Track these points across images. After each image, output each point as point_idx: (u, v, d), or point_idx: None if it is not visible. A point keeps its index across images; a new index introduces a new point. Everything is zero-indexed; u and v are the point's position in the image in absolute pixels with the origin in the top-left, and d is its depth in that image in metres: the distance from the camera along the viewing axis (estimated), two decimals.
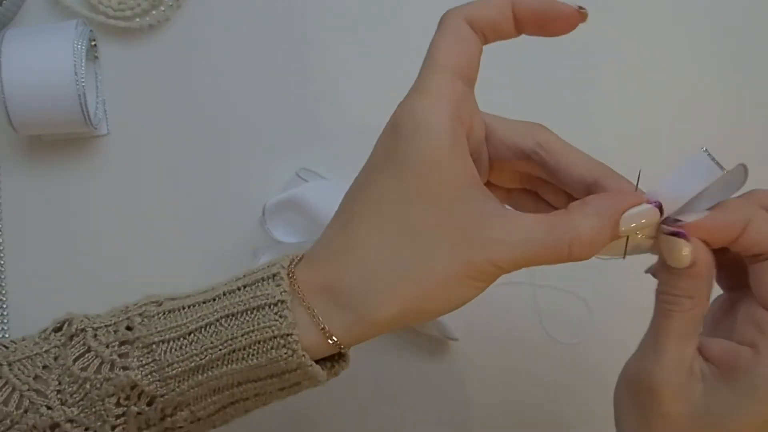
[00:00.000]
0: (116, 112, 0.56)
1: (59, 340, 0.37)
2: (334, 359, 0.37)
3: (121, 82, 0.56)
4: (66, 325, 0.37)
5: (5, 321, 0.55)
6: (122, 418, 0.35)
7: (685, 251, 0.33)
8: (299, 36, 0.56)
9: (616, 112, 0.56)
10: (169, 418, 0.35)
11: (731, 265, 0.36)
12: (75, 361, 0.35)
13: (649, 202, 0.33)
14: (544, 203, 0.39)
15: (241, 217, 0.54)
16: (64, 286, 0.55)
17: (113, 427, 0.35)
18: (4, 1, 0.54)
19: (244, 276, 0.35)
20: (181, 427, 0.36)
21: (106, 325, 0.36)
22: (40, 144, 0.55)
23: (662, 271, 0.35)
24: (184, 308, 0.35)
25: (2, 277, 0.55)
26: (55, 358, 0.36)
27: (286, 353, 0.33)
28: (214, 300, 0.35)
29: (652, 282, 0.55)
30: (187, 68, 0.56)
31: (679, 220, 0.34)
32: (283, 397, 0.36)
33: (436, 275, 0.32)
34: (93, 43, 0.54)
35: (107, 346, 0.35)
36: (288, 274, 0.34)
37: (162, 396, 0.35)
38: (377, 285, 0.33)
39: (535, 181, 0.38)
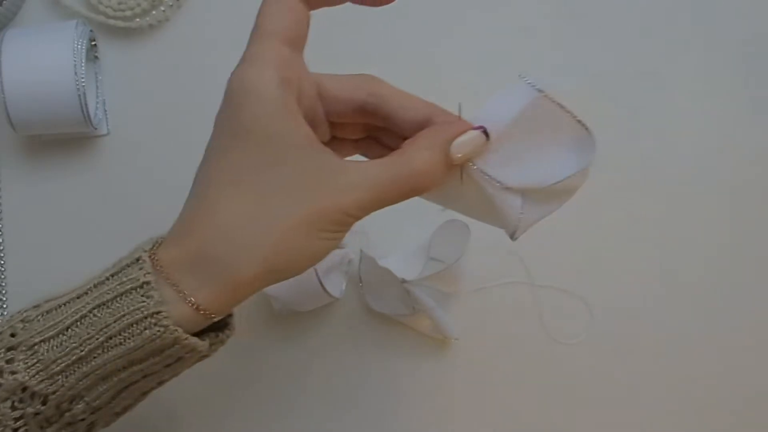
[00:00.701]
0: (116, 112, 0.56)
1: None
2: (218, 329, 0.38)
3: (121, 82, 0.56)
4: None
5: None
6: (21, 421, 0.36)
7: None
8: None
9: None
10: (67, 413, 0.36)
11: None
12: None
13: (474, 129, 0.35)
14: (389, 150, 0.39)
15: None
16: (63, 285, 0.55)
17: (15, 430, 0.36)
18: (4, 1, 0.54)
19: (113, 266, 0.37)
20: (82, 419, 0.37)
21: None
22: (40, 144, 0.55)
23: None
24: (60, 306, 0.36)
25: (2, 276, 0.55)
26: None
27: (159, 331, 0.34)
28: (86, 293, 0.36)
29: (652, 282, 0.55)
30: (187, 68, 0.56)
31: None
32: (173, 374, 0.37)
33: (285, 230, 0.34)
34: (93, 43, 0.54)
35: None
36: (150, 256, 0.36)
37: (53, 393, 0.36)
38: (233, 249, 0.34)
39: (375, 129, 0.40)
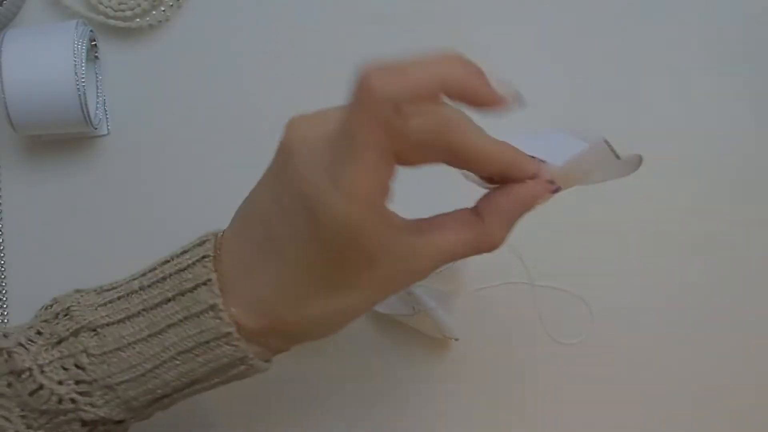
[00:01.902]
0: (116, 112, 0.56)
1: (5, 368, 0.37)
2: None
3: (121, 82, 0.56)
4: (7, 355, 0.37)
5: (5, 321, 0.55)
6: None
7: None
8: (299, 36, 0.56)
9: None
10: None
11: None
12: (31, 395, 0.36)
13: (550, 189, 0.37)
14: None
15: None
16: (64, 286, 0.55)
17: None
18: (5, 2, 0.54)
19: (177, 297, 0.36)
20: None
21: (50, 362, 0.37)
22: (40, 144, 0.55)
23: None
24: (129, 345, 0.36)
25: (2, 277, 0.55)
26: (8, 385, 0.37)
27: (246, 369, 0.37)
28: (161, 334, 0.36)
29: (652, 282, 0.55)
30: (187, 68, 0.56)
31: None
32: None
33: (363, 310, 0.36)
34: (93, 43, 0.54)
35: (61, 383, 0.36)
36: (223, 303, 0.35)
37: (131, 418, 0.38)
38: (310, 330, 0.37)
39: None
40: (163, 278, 0.37)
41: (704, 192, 0.55)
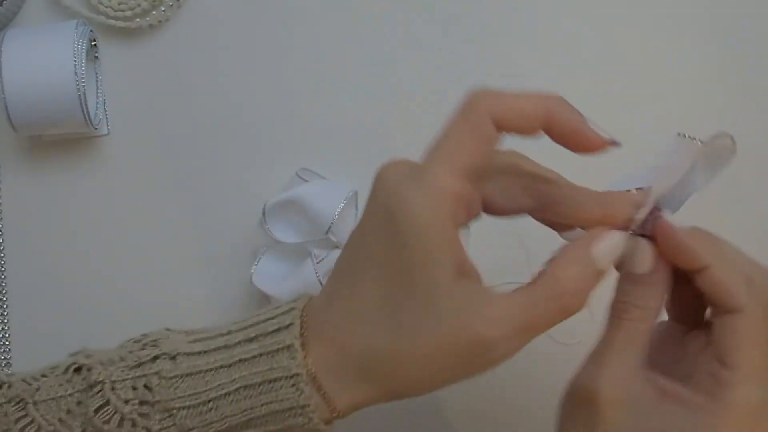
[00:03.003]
0: (116, 112, 0.56)
1: (81, 385, 0.38)
2: None
3: (121, 82, 0.56)
4: (85, 370, 0.38)
5: (6, 321, 0.55)
6: None
7: (647, 254, 0.34)
8: (300, 36, 0.56)
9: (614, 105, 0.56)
10: None
11: (685, 297, 0.37)
12: (96, 412, 0.37)
13: (614, 231, 0.34)
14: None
15: (241, 217, 0.54)
16: (64, 287, 0.55)
17: None
18: (5, 2, 0.54)
19: (257, 336, 0.36)
20: None
21: (123, 380, 0.37)
22: (40, 144, 0.55)
23: (621, 279, 0.35)
24: (201, 372, 0.36)
25: (2, 277, 0.55)
26: (78, 404, 0.37)
27: (302, 420, 0.35)
28: (231, 366, 0.36)
29: None
30: (187, 68, 0.56)
31: (659, 210, 0.34)
32: None
33: (421, 357, 0.34)
34: (93, 43, 0.54)
35: (126, 402, 0.36)
36: (301, 345, 0.35)
37: None
38: (383, 368, 0.35)
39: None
40: (251, 324, 0.37)
41: (705, 191, 0.55)
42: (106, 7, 0.55)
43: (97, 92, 0.55)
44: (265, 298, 0.52)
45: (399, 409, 0.54)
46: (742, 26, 0.57)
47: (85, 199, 0.55)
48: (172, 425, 0.36)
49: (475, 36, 0.56)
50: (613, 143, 0.34)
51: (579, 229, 0.36)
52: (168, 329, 0.40)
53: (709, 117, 0.56)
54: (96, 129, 0.54)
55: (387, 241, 0.34)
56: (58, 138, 0.55)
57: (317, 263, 0.50)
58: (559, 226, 0.37)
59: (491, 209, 0.37)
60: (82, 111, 0.51)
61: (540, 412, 0.54)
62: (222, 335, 0.38)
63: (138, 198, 0.55)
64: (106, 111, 0.56)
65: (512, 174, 0.36)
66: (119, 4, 0.55)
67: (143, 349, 0.38)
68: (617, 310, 0.35)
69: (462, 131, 0.33)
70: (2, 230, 0.55)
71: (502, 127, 0.33)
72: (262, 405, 0.35)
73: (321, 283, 0.50)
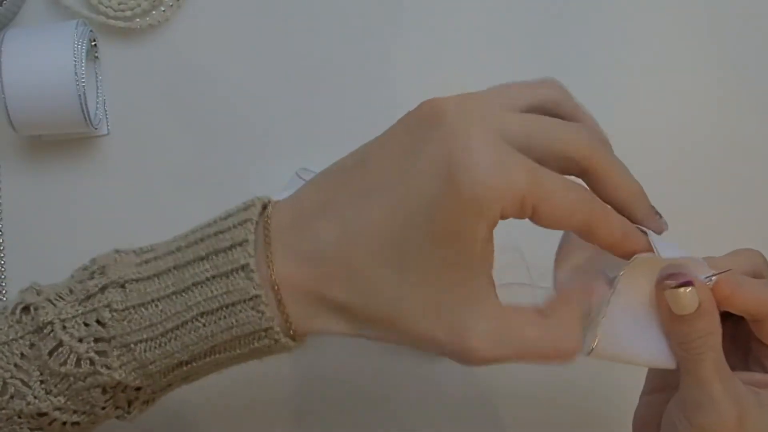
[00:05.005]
0: (116, 112, 0.56)
1: (31, 326, 0.36)
2: None
3: (121, 82, 0.56)
4: (33, 311, 0.36)
5: None
6: (110, 401, 0.36)
7: (694, 297, 0.34)
8: (300, 36, 0.56)
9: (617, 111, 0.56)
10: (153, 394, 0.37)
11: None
12: (50, 354, 0.35)
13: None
14: None
15: None
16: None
17: (103, 407, 0.36)
18: (5, 2, 0.54)
19: (209, 256, 0.34)
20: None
21: (73, 317, 0.35)
22: (40, 144, 0.55)
23: (675, 324, 0.35)
24: (153, 301, 0.35)
25: (2, 277, 0.55)
26: (30, 346, 0.36)
27: (268, 342, 0.34)
28: (185, 292, 0.34)
29: None
30: (187, 68, 0.56)
31: (710, 277, 0.35)
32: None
33: (416, 335, 0.33)
34: (93, 43, 0.54)
35: (80, 341, 0.35)
36: (266, 261, 0.33)
37: (148, 386, 0.36)
38: (366, 312, 0.33)
39: None
40: (201, 239, 0.35)
41: (704, 191, 0.55)
42: (106, 7, 0.55)
43: (97, 92, 0.55)
44: None
45: (393, 409, 0.54)
46: (742, 26, 0.57)
47: (85, 199, 0.55)
48: (132, 360, 0.35)
49: (475, 36, 0.56)
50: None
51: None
52: (117, 251, 0.37)
53: (709, 117, 0.56)
54: (96, 129, 0.54)
55: (433, 182, 0.31)
56: (58, 138, 0.55)
57: None
58: None
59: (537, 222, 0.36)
60: (82, 111, 0.51)
61: (540, 412, 0.54)
62: (172, 253, 0.35)
63: (138, 198, 0.55)
64: (106, 111, 0.56)
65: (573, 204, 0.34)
66: (119, 4, 0.55)
67: (92, 278, 0.36)
68: (696, 349, 0.34)
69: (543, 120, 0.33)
70: (2, 230, 0.55)
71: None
72: (222, 331, 0.34)
73: None
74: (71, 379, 0.35)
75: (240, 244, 0.34)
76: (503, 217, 0.32)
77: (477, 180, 0.30)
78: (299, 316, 0.34)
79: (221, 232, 0.35)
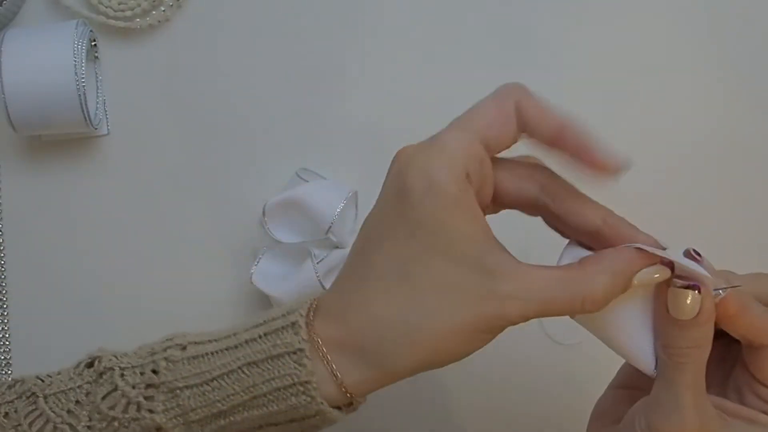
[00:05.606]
0: (116, 112, 0.56)
1: (91, 377, 0.38)
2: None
3: (121, 82, 0.56)
4: (96, 362, 0.38)
5: (6, 321, 0.55)
6: None
7: (695, 303, 0.34)
8: (300, 36, 0.56)
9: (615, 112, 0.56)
10: None
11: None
12: (103, 398, 0.37)
13: (662, 262, 0.34)
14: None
15: (241, 217, 0.54)
16: (64, 286, 0.55)
17: None
18: (5, 2, 0.54)
19: (264, 323, 0.36)
20: None
21: (132, 366, 0.37)
22: (40, 144, 0.55)
23: (667, 325, 0.35)
24: (207, 354, 0.36)
25: (2, 277, 0.55)
26: (87, 394, 0.37)
27: (305, 400, 0.35)
28: (236, 347, 0.36)
29: None
30: (187, 68, 0.56)
31: (718, 291, 0.34)
32: None
33: (448, 331, 0.34)
34: (93, 43, 0.54)
35: (134, 387, 0.36)
36: (306, 323, 0.35)
37: None
38: (391, 343, 0.34)
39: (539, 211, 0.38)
40: (261, 322, 0.37)
41: (703, 191, 0.55)
42: (106, 7, 0.55)
43: (97, 92, 0.55)
44: (265, 298, 0.52)
45: (393, 409, 0.54)
46: (742, 26, 0.57)
47: (85, 199, 0.55)
48: (176, 406, 0.36)
49: (475, 36, 0.56)
50: (625, 165, 0.34)
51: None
52: (184, 333, 0.40)
53: (709, 117, 0.56)
54: (96, 129, 0.54)
55: (398, 207, 0.33)
56: (58, 138, 0.55)
57: (317, 263, 0.50)
58: (565, 229, 0.37)
59: (499, 197, 0.37)
60: (82, 111, 0.51)
61: (540, 412, 0.54)
62: (234, 334, 0.37)
63: (138, 198, 0.55)
64: (106, 111, 0.56)
65: (528, 167, 0.36)
66: (119, 4, 0.55)
67: (160, 343, 0.38)
68: (680, 356, 0.34)
69: (486, 105, 0.34)
70: (2, 230, 0.55)
71: (521, 119, 0.34)
72: (263, 382, 0.35)
73: (321, 283, 0.50)
74: (116, 423, 0.36)
75: (292, 312, 0.36)
76: (469, 155, 0.33)
77: (417, 161, 0.33)
78: (341, 364, 0.35)
79: (280, 314, 0.37)
